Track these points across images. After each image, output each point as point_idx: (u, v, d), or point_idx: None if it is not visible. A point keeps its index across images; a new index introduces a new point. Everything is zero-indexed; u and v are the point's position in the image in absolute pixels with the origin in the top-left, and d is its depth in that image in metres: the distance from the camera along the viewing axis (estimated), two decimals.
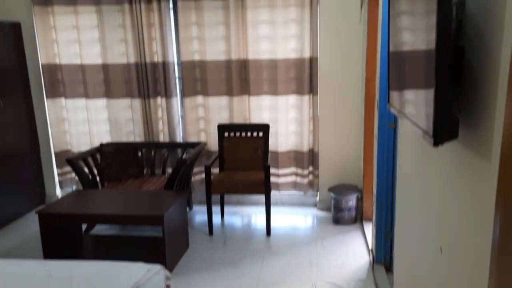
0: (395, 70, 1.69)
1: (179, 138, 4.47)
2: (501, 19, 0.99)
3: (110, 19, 4.22)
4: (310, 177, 4.29)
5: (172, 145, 4.36)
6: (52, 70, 4.42)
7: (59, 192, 4.75)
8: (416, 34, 1.36)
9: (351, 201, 3.85)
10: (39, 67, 4.43)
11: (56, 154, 4.63)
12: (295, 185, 4.35)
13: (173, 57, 4.27)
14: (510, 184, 0.93)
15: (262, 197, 3.81)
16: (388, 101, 1.77)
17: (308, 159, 4.24)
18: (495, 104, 1.01)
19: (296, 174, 4.33)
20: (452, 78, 1.14)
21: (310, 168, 4.27)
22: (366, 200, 3.78)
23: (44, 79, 4.45)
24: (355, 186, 4.04)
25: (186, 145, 4.29)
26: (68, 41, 4.35)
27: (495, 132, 1.00)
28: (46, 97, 4.49)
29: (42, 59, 4.40)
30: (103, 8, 4.19)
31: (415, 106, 1.33)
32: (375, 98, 3.03)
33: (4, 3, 4.32)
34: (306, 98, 4.09)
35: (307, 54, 3.99)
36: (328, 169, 4.19)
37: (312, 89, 4.07)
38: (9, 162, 4.22)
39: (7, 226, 4.14)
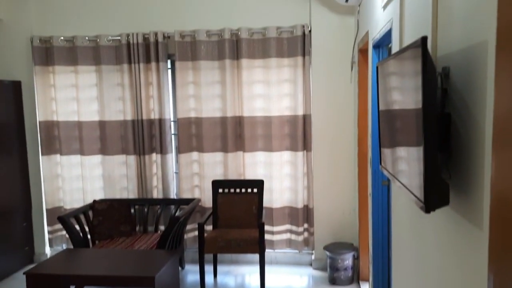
0: (385, 130, 1.73)
1: (173, 195, 4.44)
2: (482, 90, 1.04)
3: (109, 78, 4.34)
4: (305, 234, 4.23)
5: (166, 202, 4.32)
6: (49, 127, 4.47)
7: (48, 251, 4.63)
8: (404, 98, 1.41)
9: (347, 260, 3.77)
10: (37, 124, 4.48)
11: (47, 211, 4.56)
12: (290, 243, 4.28)
13: (169, 114, 4.35)
14: (501, 251, 0.93)
15: (256, 256, 3.72)
16: (380, 162, 1.80)
17: (303, 215, 4.20)
18: (483, 171, 1.03)
19: (291, 232, 4.27)
20: (441, 143, 1.17)
21: (305, 225, 4.22)
22: (363, 259, 3.71)
23: (40, 136, 4.48)
24: (350, 244, 3.98)
25: (180, 202, 4.26)
26: (67, 98, 4.43)
27: (485, 199, 1.01)
28: (42, 153, 4.50)
29: (40, 116, 4.46)
30: (103, 68, 4.33)
31: (406, 170, 1.36)
32: (367, 155, 3.07)
33: (7, 63, 4.45)
34: (300, 154, 4.13)
35: (300, 112, 4.08)
36: (323, 226, 4.15)
37: (306, 146, 4.13)
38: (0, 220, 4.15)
39: None
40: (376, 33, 2.58)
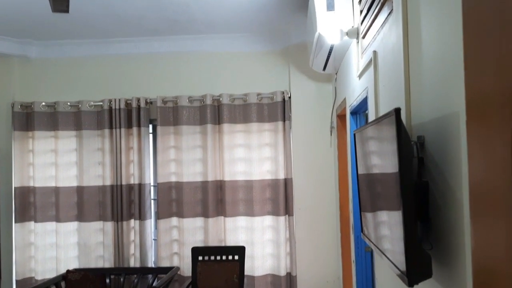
0: (365, 198, 1.74)
1: (151, 263, 4.25)
2: (457, 159, 1.06)
3: (89, 143, 4.31)
4: None
5: (143, 271, 4.13)
6: (25, 193, 4.33)
7: None
8: (380, 168, 1.43)
9: None
10: (12, 190, 4.34)
11: (17, 282, 4.28)
12: None
13: (149, 179, 4.30)
14: None
15: None
16: (362, 230, 1.78)
17: (285, 284, 4.05)
18: (463, 242, 1.02)
19: None
20: (420, 212, 1.17)
21: None
22: None
23: (15, 203, 4.32)
24: None
25: (158, 270, 4.07)
26: (45, 164, 4.35)
27: (467, 271, 0.99)
28: (15, 221, 4.32)
29: (15, 182, 4.34)
30: (83, 133, 4.31)
31: (387, 240, 1.34)
32: (349, 220, 3.04)
33: None
34: (282, 219, 4.07)
35: (281, 175, 4.09)
36: None
37: (288, 210, 4.09)
38: None
39: None
40: (353, 100, 2.68)
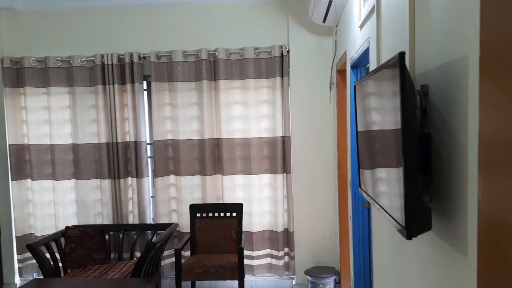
0: (364, 151, 1.68)
1: (149, 220, 4.28)
2: (463, 108, 0.99)
3: (82, 100, 4.22)
4: (286, 258, 4.11)
5: (142, 227, 4.16)
6: (20, 151, 4.29)
7: (18, 281, 4.37)
8: (382, 117, 1.36)
9: (329, 285, 3.66)
10: (6, 148, 4.29)
11: (17, 238, 4.33)
12: (270, 268, 4.15)
13: (145, 136, 4.24)
14: (491, 281, 0.86)
15: (236, 282, 3.59)
16: (360, 185, 1.74)
17: (283, 239, 4.09)
18: (466, 195, 0.97)
19: (271, 256, 4.14)
20: (421, 165, 1.11)
21: (286, 249, 4.11)
22: (344, 283, 3.61)
23: (10, 160, 4.29)
24: (332, 268, 3.88)
25: (157, 227, 4.11)
26: (38, 121, 4.28)
27: (469, 225, 0.95)
28: (12, 178, 4.30)
29: (10, 140, 4.28)
30: (76, 90, 4.20)
31: (386, 193, 1.29)
32: (347, 177, 3.01)
33: None
34: (279, 176, 4.06)
35: (279, 133, 4.03)
36: (304, 250, 4.04)
37: (286, 168, 4.06)
38: None
39: None
40: (353, 53, 2.57)
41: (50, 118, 4.26)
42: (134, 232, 4.15)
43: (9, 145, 4.28)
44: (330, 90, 3.93)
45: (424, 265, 1.28)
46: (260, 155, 4.08)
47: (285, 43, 4.03)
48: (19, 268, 4.37)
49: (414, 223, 1.00)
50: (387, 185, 1.24)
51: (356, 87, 1.75)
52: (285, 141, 4.04)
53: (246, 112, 4.08)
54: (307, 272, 3.79)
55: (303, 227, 4.04)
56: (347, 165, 2.99)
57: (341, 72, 3.45)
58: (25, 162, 4.30)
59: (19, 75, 4.25)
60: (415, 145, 1.06)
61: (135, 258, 4.09)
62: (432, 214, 1.08)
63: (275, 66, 3.99)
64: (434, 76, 1.18)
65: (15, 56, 4.24)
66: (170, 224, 4.04)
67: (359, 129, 1.75)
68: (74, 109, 4.23)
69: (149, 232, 4.13)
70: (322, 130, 4.02)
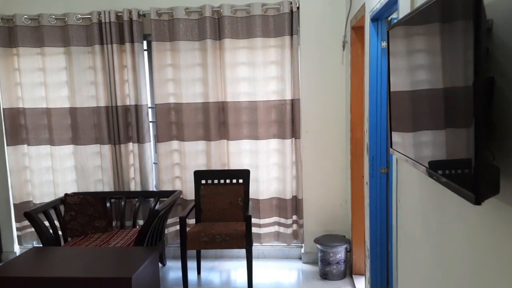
0: (402, 112, 1.46)
1: (152, 187, 4.12)
2: None
3: (79, 60, 3.97)
4: (294, 226, 3.98)
5: (144, 194, 4.01)
6: (15, 115, 4.09)
7: (17, 249, 4.27)
8: (433, 72, 1.14)
9: (340, 253, 3.54)
10: (0, 112, 4.09)
11: (15, 206, 4.19)
12: (278, 236, 4.03)
13: (146, 100, 4.02)
14: None
15: (242, 250, 3.47)
16: (391, 145, 1.54)
17: (291, 207, 3.95)
18: None
19: (279, 224, 4.01)
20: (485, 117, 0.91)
21: (294, 217, 3.97)
22: (356, 252, 3.48)
23: (5, 125, 4.09)
24: (342, 236, 3.75)
25: (160, 194, 3.96)
26: (33, 84, 4.05)
27: None
28: (7, 144, 4.12)
29: (4, 103, 4.07)
30: (72, 49, 3.95)
31: (440, 155, 1.09)
32: (363, 141, 2.82)
33: None
34: (288, 142, 3.87)
35: (288, 96, 3.81)
36: (313, 218, 3.91)
37: (295, 133, 3.86)
38: None
39: None
40: (376, 3, 2.31)
41: (45, 81, 4.03)
42: (136, 199, 4.00)
43: (3, 108, 4.07)
44: (343, 49, 3.68)
45: (479, 235, 1.10)
46: (268, 119, 3.88)
47: None
48: (18, 236, 4.26)
49: (483, 185, 0.81)
50: (444, 147, 1.04)
51: (393, 33, 1.50)
52: (294, 104, 3.82)
53: (252, 74, 3.85)
54: (316, 241, 3.67)
55: (312, 195, 3.88)
56: (363, 129, 2.79)
57: (356, 29, 3.19)
58: (20, 126, 4.11)
59: (11, 34, 3.99)
60: (484, 93, 0.86)
61: (137, 226, 3.96)
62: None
63: (284, 23, 3.72)
64: (501, 8, 0.96)
65: (6, 13, 3.96)
66: (173, 191, 3.89)
67: (395, 89, 1.52)
68: (71, 71, 3.99)
69: (152, 199, 3.98)
70: (334, 92, 3.79)
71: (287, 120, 3.84)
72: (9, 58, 4.03)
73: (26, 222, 4.12)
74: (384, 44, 2.46)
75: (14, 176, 4.16)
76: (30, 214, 3.43)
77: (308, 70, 3.79)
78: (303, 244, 4.00)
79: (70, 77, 4.00)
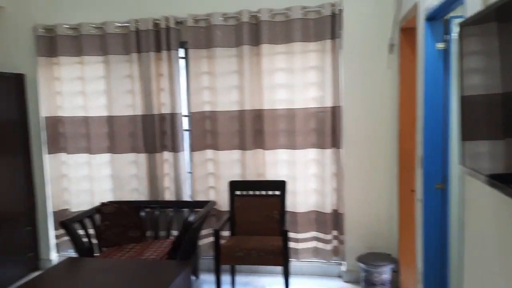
0: (485, 120, 1.22)
1: (186, 196, 4.01)
2: None
3: (117, 69, 3.95)
4: (334, 242, 3.74)
5: (178, 204, 3.90)
6: (54, 124, 4.11)
7: (55, 257, 4.27)
8: None
9: (385, 274, 3.27)
10: (41, 120, 4.12)
11: (54, 214, 4.20)
12: (316, 252, 3.80)
13: (182, 108, 3.93)
14: None
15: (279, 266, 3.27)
16: (464, 158, 1.31)
17: (331, 221, 3.72)
18: None
19: (318, 239, 3.79)
20: None
21: (334, 233, 3.73)
22: (404, 273, 3.20)
23: (46, 133, 4.12)
24: (388, 255, 3.47)
25: (194, 204, 3.84)
26: (72, 93, 4.06)
27: None
28: (47, 152, 4.14)
29: (44, 112, 4.10)
30: (111, 58, 3.93)
31: None
32: (413, 153, 2.57)
33: (9, 54, 4.10)
34: (328, 152, 3.65)
35: (329, 103, 3.60)
36: (355, 233, 3.65)
37: (335, 142, 3.64)
38: (1, 224, 3.80)
39: None
40: (432, 1, 2.07)
41: (84, 89, 4.03)
42: (170, 209, 3.90)
43: (45, 117, 4.11)
44: (390, 53, 3.42)
45: None
46: (306, 127, 3.68)
47: (338, 0, 3.53)
48: (56, 244, 4.26)
49: None
50: None
51: (466, 31, 1.28)
52: (335, 111, 3.61)
53: (290, 80, 3.67)
54: (360, 259, 3.41)
55: (355, 209, 3.63)
56: (414, 140, 2.54)
57: (406, 31, 2.95)
58: (59, 135, 4.13)
59: (52, 43, 4.02)
60: None
61: (171, 237, 3.86)
62: None
63: (324, 27, 3.53)
64: None
65: (48, 23, 4.00)
66: (207, 202, 3.76)
67: (470, 93, 1.29)
68: (109, 79, 3.97)
69: (185, 209, 3.87)
70: (379, 98, 3.53)
71: (327, 129, 3.63)
72: (50, 67, 4.07)
73: (63, 230, 4.12)
74: (440, 45, 2.22)
75: (53, 184, 4.18)
76: (66, 223, 3.39)
77: (351, 75, 3.56)
78: (343, 262, 3.75)
79: (108, 86, 3.98)
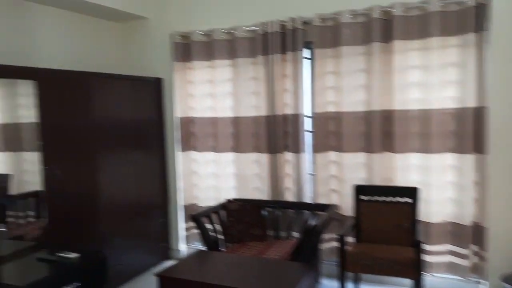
0: None
1: (306, 198, 3.96)
2: None
3: (243, 71, 4.08)
4: (474, 259, 3.34)
5: (299, 206, 3.88)
6: (187, 124, 4.42)
7: (184, 248, 4.58)
8: None
9: None
10: (175, 120, 4.47)
11: (184, 207, 4.52)
12: (451, 268, 3.44)
13: (304, 109, 3.90)
14: None
15: (407, 280, 3.02)
16: None
17: (470, 235, 3.33)
18: None
19: (453, 253, 3.43)
20: None
21: (474, 248, 3.34)
22: None
23: (181, 132, 4.46)
24: None
25: (315, 207, 3.77)
26: (203, 94, 4.33)
27: None
28: (180, 150, 4.48)
29: (179, 113, 4.44)
30: (238, 61, 4.08)
31: None
32: None
33: (152, 61, 4.53)
34: (469, 157, 3.28)
35: (471, 104, 3.23)
36: (500, 251, 3.20)
37: (478, 147, 3.25)
38: (139, 215, 4.22)
39: (130, 281, 4.04)
40: None
41: (213, 91, 4.26)
42: (291, 210, 3.90)
43: (179, 117, 4.45)
44: None
45: None
46: (443, 130, 3.36)
47: None
48: (186, 236, 4.56)
49: None
50: None
51: None
52: (479, 112, 3.22)
53: (425, 78, 3.39)
54: (506, 279, 2.99)
55: (502, 223, 3.18)
56: None
57: None
58: (191, 134, 4.43)
59: (187, 49, 4.33)
60: None
61: (291, 238, 3.85)
62: None
63: (467, 19, 3.18)
64: None
65: (183, 30, 4.32)
66: (329, 205, 3.67)
67: None
68: (235, 82, 4.13)
69: (306, 211, 3.83)
70: None
71: (468, 132, 3.26)
72: (184, 71, 4.38)
73: (192, 223, 4.40)
74: None
75: (184, 180, 4.49)
76: (196, 217, 3.60)
77: (501, 73, 3.13)
78: (485, 281, 3.32)
79: (234, 88, 4.14)
